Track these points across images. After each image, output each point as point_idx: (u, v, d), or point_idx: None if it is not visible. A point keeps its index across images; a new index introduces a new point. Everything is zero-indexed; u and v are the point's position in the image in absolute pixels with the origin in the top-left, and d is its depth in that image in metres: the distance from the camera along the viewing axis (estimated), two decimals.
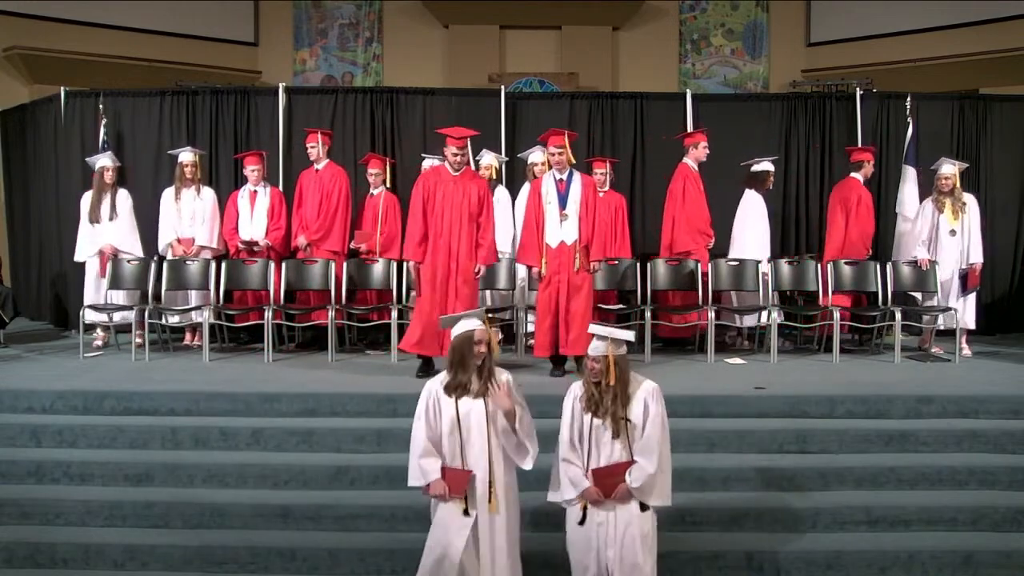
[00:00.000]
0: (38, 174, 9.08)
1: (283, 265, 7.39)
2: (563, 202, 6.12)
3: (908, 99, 8.38)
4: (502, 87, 9.13)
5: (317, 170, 7.61)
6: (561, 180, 6.17)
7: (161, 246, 7.66)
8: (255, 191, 7.61)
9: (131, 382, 5.93)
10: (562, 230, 6.12)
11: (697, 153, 7.42)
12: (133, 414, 5.50)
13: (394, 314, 6.86)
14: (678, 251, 7.34)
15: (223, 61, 12.37)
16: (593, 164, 7.64)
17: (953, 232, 7.16)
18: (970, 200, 7.23)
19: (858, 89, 9.38)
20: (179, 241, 7.57)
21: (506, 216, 7.59)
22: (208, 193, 7.71)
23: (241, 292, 7.49)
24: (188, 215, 7.57)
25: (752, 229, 7.55)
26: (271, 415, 5.49)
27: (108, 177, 7.54)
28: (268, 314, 6.89)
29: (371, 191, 7.73)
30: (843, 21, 12.44)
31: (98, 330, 7.56)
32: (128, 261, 7.45)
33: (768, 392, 5.70)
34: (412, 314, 6.30)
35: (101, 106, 8.38)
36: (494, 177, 7.73)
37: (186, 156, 7.67)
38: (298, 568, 4.51)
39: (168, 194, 7.69)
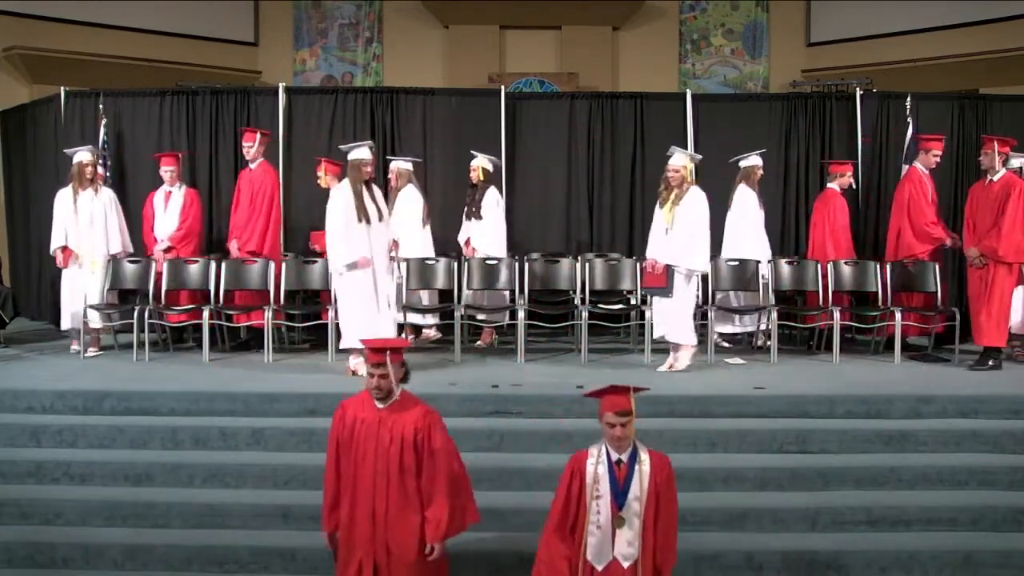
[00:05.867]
0: (38, 174, 9.08)
1: (282, 265, 7.40)
2: (620, 499, 3.65)
3: (908, 99, 8.38)
4: (502, 87, 9.13)
5: (251, 170, 7.61)
6: (620, 463, 3.67)
7: (51, 251, 7.35)
8: (170, 192, 7.63)
9: (131, 382, 5.93)
10: (616, 543, 3.65)
11: (927, 159, 7.38)
12: (133, 414, 5.50)
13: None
14: (904, 255, 7.32)
15: (223, 61, 12.38)
16: None
17: (667, 230, 6.42)
18: (691, 200, 6.33)
19: (858, 89, 9.39)
20: (63, 250, 7.23)
21: (498, 217, 7.63)
22: (107, 194, 7.47)
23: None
24: (86, 218, 7.25)
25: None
26: (271, 415, 5.49)
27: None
28: (268, 314, 6.89)
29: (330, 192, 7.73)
30: (843, 21, 12.44)
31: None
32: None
33: (768, 392, 5.70)
34: None
35: (101, 106, 8.39)
36: (481, 178, 7.70)
37: (84, 156, 7.35)
38: (298, 568, 4.50)
39: (64, 195, 7.34)
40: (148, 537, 4.63)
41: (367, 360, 3.81)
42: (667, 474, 3.71)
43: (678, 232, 6.34)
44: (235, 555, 4.53)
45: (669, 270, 6.34)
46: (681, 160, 6.43)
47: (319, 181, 7.74)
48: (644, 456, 3.70)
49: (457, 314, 7.00)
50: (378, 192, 6.38)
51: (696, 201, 6.39)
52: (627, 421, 3.59)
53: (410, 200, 7.62)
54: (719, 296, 7.36)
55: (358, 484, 3.79)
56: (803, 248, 8.58)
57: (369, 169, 6.26)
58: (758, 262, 7.32)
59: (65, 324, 7.33)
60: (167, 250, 7.50)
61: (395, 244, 6.48)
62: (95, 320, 7.18)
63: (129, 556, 4.55)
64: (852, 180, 7.84)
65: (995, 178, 6.72)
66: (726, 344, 7.62)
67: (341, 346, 6.37)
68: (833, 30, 12.57)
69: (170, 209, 7.61)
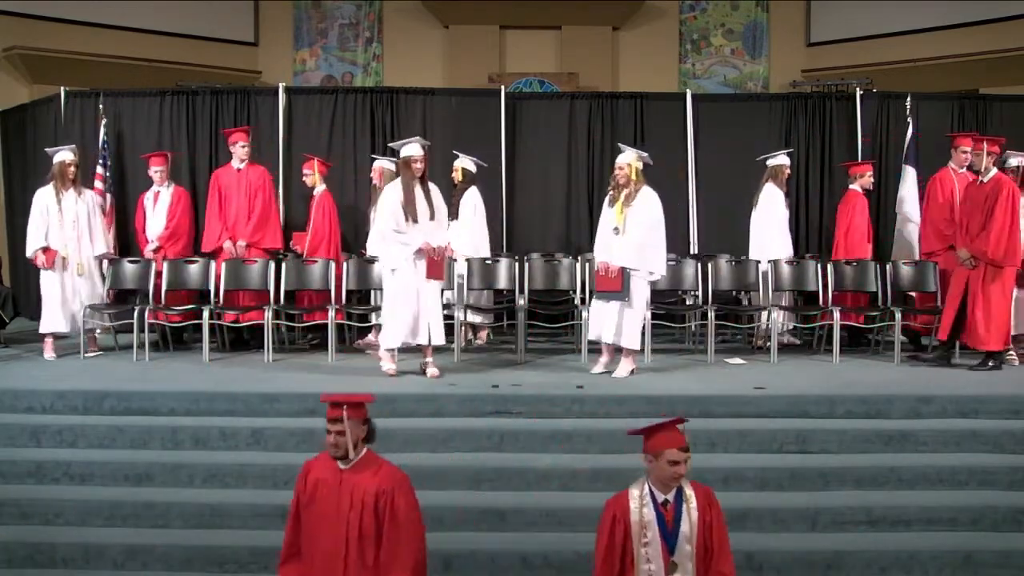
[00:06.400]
0: (38, 174, 9.04)
1: (282, 265, 7.41)
2: (671, 542, 3.36)
3: (908, 99, 8.39)
4: (502, 87, 9.14)
5: (239, 170, 7.59)
6: (666, 503, 3.40)
7: (29, 252, 7.18)
8: (158, 192, 7.67)
9: (131, 382, 5.93)
10: None
11: (957, 156, 7.37)
12: (133, 414, 5.50)
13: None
14: (923, 252, 7.37)
15: (223, 61, 12.38)
16: None
17: (616, 230, 6.13)
18: (644, 200, 6.10)
19: (858, 89, 9.40)
20: (45, 251, 7.09)
21: (475, 219, 7.58)
22: (89, 195, 7.42)
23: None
24: (71, 219, 7.15)
25: None
26: (271, 415, 5.48)
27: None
28: (268, 314, 6.89)
29: (313, 192, 7.76)
30: (843, 21, 12.45)
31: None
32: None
33: (768, 392, 5.69)
34: None
35: (101, 106, 8.39)
36: (461, 179, 7.63)
37: (66, 156, 7.21)
38: None
39: (45, 195, 7.17)
40: (148, 537, 4.63)
41: (329, 413, 3.43)
42: (717, 510, 3.42)
43: (633, 234, 6.04)
44: (235, 555, 4.52)
45: (624, 273, 6.08)
46: (627, 158, 6.14)
47: (304, 179, 7.76)
48: (689, 492, 3.40)
49: (457, 314, 7.01)
50: (434, 190, 6.22)
51: (649, 202, 6.10)
52: (689, 456, 3.39)
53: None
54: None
55: (316, 550, 3.42)
56: (803, 247, 8.60)
57: (420, 166, 6.09)
58: (758, 262, 7.34)
59: (45, 327, 7.08)
60: (156, 250, 7.52)
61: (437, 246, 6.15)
62: (91, 321, 7.16)
63: (129, 556, 4.54)
64: (873, 179, 7.85)
65: (986, 179, 6.63)
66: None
67: (382, 345, 6.25)
68: (833, 30, 12.57)
69: (158, 209, 7.65)
